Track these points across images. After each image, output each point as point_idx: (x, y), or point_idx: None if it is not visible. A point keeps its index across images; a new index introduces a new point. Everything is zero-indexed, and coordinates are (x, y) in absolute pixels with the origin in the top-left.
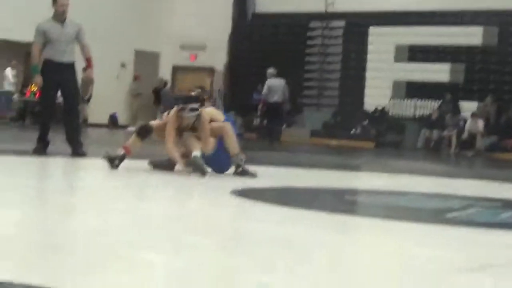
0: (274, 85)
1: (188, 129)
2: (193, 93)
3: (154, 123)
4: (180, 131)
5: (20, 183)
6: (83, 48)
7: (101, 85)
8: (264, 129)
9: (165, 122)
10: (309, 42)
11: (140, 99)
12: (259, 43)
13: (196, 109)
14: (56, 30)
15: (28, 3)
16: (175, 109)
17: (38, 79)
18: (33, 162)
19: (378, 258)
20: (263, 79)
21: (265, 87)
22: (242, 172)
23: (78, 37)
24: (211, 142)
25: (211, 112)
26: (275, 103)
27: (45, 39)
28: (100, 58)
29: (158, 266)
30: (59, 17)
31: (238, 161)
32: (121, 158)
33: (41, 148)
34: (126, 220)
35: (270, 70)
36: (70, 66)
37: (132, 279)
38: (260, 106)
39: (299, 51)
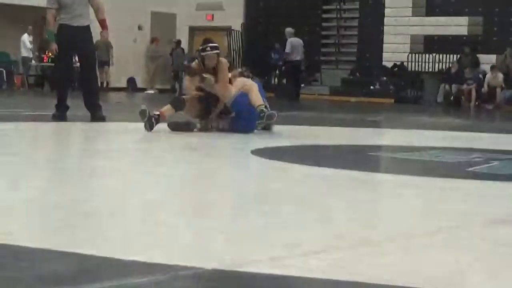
0: (296, 44)
1: (210, 72)
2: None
3: (187, 97)
4: (201, 77)
5: (42, 149)
6: (97, 10)
7: (118, 49)
8: (284, 88)
9: (194, 96)
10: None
11: (158, 61)
12: (275, 1)
13: (216, 47)
14: None
15: None
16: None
17: (53, 46)
18: (53, 127)
19: (405, 215)
20: (280, 38)
21: (288, 45)
22: (268, 116)
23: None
24: (231, 90)
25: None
26: (297, 61)
27: (58, 4)
28: (116, 22)
29: (180, 227)
30: None
31: (262, 108)
32: (157, 120)
33: (61, 114)
34: (148, 182)
35: (289, 29)
36: (85, 29)
37: (156, 240)
38: (281, 65)
39: (316, 9)
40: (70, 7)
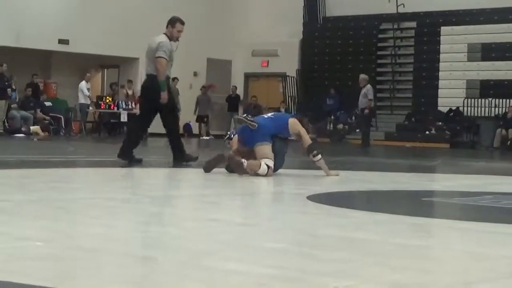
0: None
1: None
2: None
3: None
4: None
5: (107, 195)
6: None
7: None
8: (363, 134)
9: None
10: (380, 44)
11: (214, 107)
12: (330, 47)
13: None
14: (172, 50)
15: (104, 19)
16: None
17: (165, 95)
18: (121, 172)
19: (462, 261)
20: (335, 84)
21: (370, 92)
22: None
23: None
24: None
25: None
26: (372, 108)
27: (169, 57)
28: (173, 68)
29: (238, 274)
30: (174, 39)
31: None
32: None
33: (126, 160)
34: (201, 229)
35: (365, 76)
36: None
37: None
38: (366, 112)
39: (371, 54)
40: (171, 61)
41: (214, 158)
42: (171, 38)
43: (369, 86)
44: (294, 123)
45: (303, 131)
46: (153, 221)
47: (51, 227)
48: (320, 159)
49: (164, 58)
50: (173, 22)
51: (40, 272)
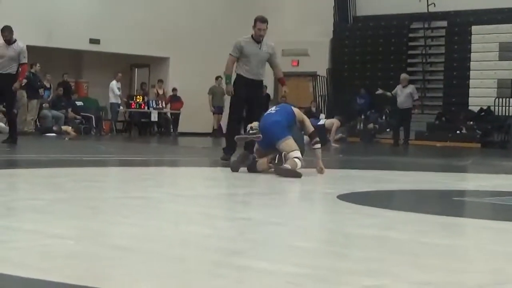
0: None
1: None
2: None
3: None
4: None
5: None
6: (275, 68)
7: (206, 94)
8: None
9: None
10: (411, 44)
11: None
12: (360, 47)
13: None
14: (253, 49)
15: (134, 18)
16: None
17: (230, 87)
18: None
19: (494, 261)
20: (365, 83)
21: (415, 91)
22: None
23: (270, 58)
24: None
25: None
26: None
27: (240, 54)
28: (203, 70)
29: (269, 273)
30: (257, 38)
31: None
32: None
33: (227, 158)
34: (232, 228)
35: (406, 76)
36: (260, 84)
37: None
38: (415, 112)
39: (401, 53)
40: (251, 61)
41: (240, 156)
42: (254, 37)
43: (412, 86)
44: (298, 111)
45: (306, 119)
46: (184, 220)
47: (82, 225)
48: (319, 148)
49: (230, 54)
50: (254, 21)
51: (73, 270)
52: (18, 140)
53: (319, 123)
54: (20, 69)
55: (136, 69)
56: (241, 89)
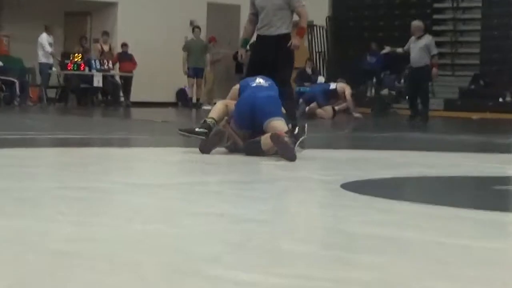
0: None
1: None
2: None
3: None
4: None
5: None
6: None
7: (165, 52)
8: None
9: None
10: None
11: (217, 67)
12: None
13: None
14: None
15: None
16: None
17: (241, 51)
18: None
19: None
20: (377, 35)
21: (433, 44)
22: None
23: (289, 3)
24: None
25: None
26: (426, 66)
27: (254, 9)
28: (163, 16)
29: (248, 286)
30: None
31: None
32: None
33: None
34: (200, 226)
35: (418, 23)
36: (276, 40)
37: None
38: (435, 72)
39: None
40: (262, 12)
41: (213, 135)
42: None
43: (429, 36)
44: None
45: None
46: (138, 216)
47: (8, 225)
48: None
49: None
50: None
51: None
52: None
53: (330, 88)
54: None
55: (73, 18)
56: (253, 50)
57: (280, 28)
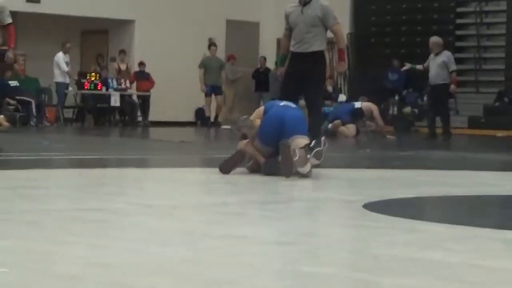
0: None
1: None
2: None
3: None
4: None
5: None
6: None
7: (183, 70)
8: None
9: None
10: None
11: (236, 86)
12: (393, 3)
13: None
14: (296, 15)
15: None
16: None
17: (278, 70)
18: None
19: None
20: (399, 52)
21: (452, 59)
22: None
23: (323, 21)
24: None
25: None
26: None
27: (288, 25)
28: (181, 34)
29: None
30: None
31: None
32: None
33: None
34: (221, 249)
35: (437, 39)
36: (310, 58)
37: None
38: (453, 88)
39: (448, 11)
40: (294, 31)
41: (233, 156)
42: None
43: (448, 52)
44: None
45: None
46: (154, 238)
47: (19, 248)
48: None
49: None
50: None
51: None
52: None
53: (355, 106)
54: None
55: (90, 36)
56: (288, 66)
57: (313, 45)
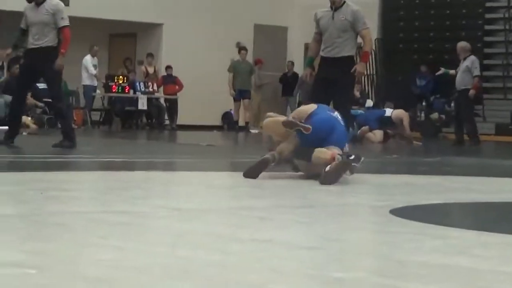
0: None
1: None
2: None
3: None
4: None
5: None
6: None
7: (210, 74)
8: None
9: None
10: (489, 4)
11: (262, 91)
12: (421, 9)
13: None
14: (327, 19)
15: None
16: None
17: (306, 71)
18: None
19: None
20: (427, 58)
21: (477, 64)
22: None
23: (353, 26)
24: None
25: None
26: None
27: (319, 29)
28: (208, 39)
29: None
30: (331, 4)
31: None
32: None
33: None
34: (248, 253)
35: (465, 44)
36: (341, 62)
37: None
38: (472, 93)
39: (476, 18)
40: (325, 32)
41: (258, 163)
42: (331, 4)
43: (473, 57)
44: None
45: None
46: (182, 242)
47: (47, 250)
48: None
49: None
50: None
51: None
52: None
53: (385, 114)
54: (61, 37)
55: (118, 40)
56: (318, 71)
57: (343, 50)
